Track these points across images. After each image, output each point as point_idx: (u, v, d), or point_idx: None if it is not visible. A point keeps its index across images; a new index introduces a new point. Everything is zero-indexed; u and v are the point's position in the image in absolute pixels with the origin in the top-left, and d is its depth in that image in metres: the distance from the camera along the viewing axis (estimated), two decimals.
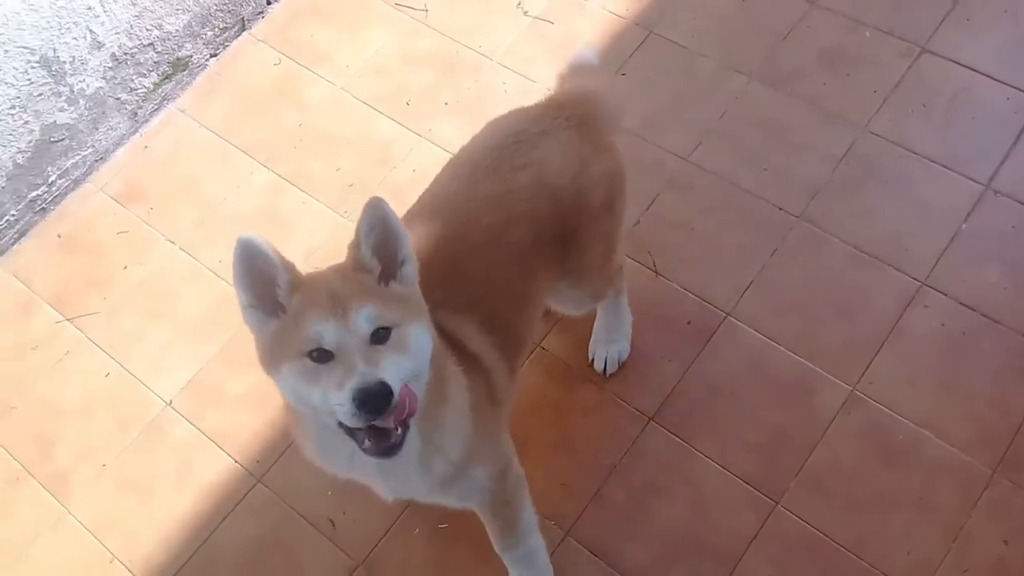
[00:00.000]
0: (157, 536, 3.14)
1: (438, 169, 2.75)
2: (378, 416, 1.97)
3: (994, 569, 2.83)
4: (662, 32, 3.94)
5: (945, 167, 3.48)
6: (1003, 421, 3.03)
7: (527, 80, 3.87)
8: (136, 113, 3.96)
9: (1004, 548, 2.85)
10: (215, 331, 3.47)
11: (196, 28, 4.02)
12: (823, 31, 3.85)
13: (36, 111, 3.65)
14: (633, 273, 3.30)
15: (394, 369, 2.00)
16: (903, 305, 3.24)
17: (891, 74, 3.71)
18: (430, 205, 2.62)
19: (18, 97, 3.57)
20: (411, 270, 2.16)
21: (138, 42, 3.86)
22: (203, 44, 4.08)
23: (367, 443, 2.07)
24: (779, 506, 2.96)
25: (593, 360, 3.24)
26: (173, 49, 3.98)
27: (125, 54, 3.84)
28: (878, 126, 3.60)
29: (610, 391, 3.21)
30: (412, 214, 2.61)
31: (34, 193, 3.76)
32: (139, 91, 3.94)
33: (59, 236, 3.78)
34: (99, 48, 3.75)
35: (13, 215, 3.72)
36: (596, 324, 3.23)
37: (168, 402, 3.36)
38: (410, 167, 3.73)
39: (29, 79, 3.57)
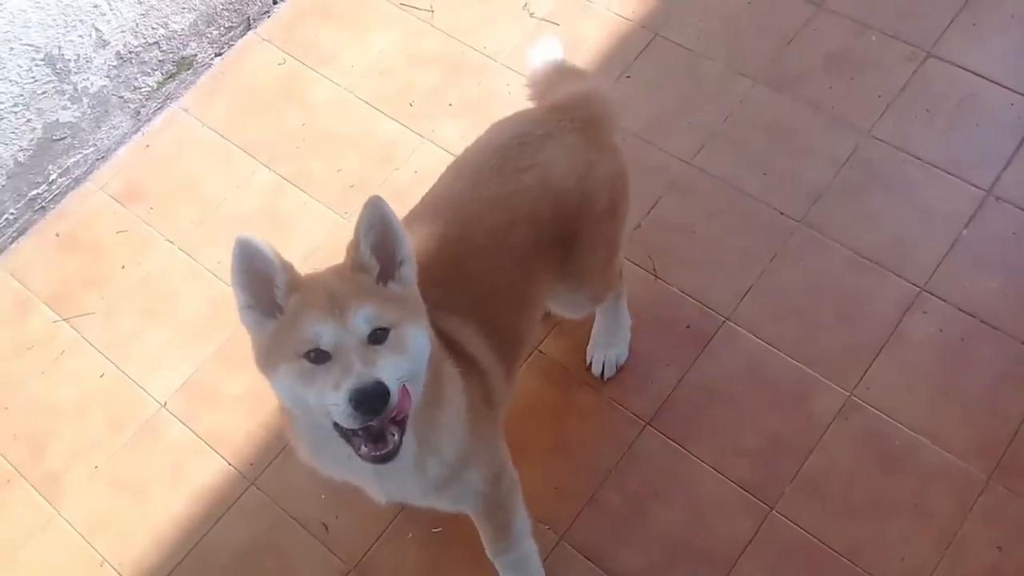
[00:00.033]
0: (149, 539, 3.13)
1: (440, 170, 2.75)
2: (375, 417, 1.96)
3: (987, 575, 2.82)
4: (668, 34, 3.93)
5: (947, 172, 3.46)
6: (1000, 428, 3.02)
7: None
8: (139, 112, 3.96)
9: (998, 554, 2.83)
10: (212, 332, 3.46)
11: (202, 27, 4.02)
12: (829, 35, 3.83)
13: (39, 109, 3.65)
14: (633, 276, 3.29)
15: (391, 369, 1.99)
16: (902, 311, 3.22)
17: (896, 78, 3.69)
18: (433, 206, 2.61)
19: (21, 95, 3.57)
20: (410, 270, 2.16)
21: (143, 40, 3.86)
22: (208, 43, 4.08)
23: (363, 449, 2.06)
24: (774, 511, 2.95)
25: (591, 364, 3.23)
26: (178, 48, 3.98)
27: (130, 52, 3.84)
28: (882, 131, 3.58)
29: (607, 395, 3.19)
30: (415, 214, 2.60)
31: (34, 192, 3.76)
32: (143, 90, 3.94)
33: (58, 235, 3.77)
34: (104, 46, 3.75)
35: (12, 213, 3.73)
36: (595, 328, 3.22)
37: (163, 403, 3.35)
38: (412, 168, 3.72)
39: (33, 77, 3.58)
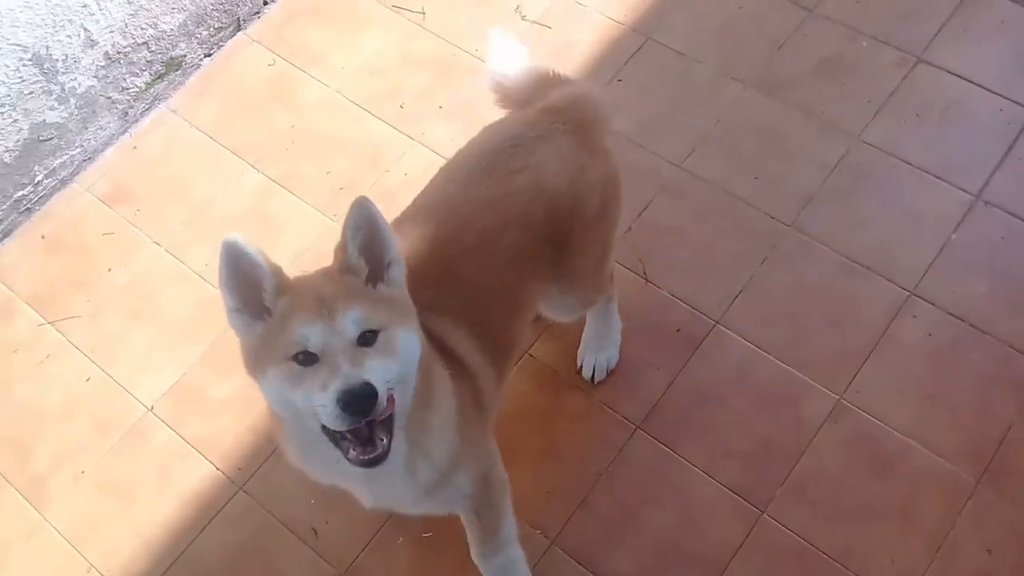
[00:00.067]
0: (136, 544, 3.11)
1: (430, 173, 2.74)
2: (362, 418, 1.95)
3: None
4: (659, 38, 3.93)
5: (937, 177, 3.47)
6: (989, 431, 3.03)
7: None
8: (127, 113, 3.94)
9: (988, 557, 2.84)
10: (199, 335, 3.44)
11: (191, 27, 4.00)
12: (820, 40, 3.84)
13: (26, 109, 3.63)
14: (623, 280, 3.29)
15: (380, 371, 1.98)
16: (892, 315, 3.23)
17: (886, 83, 3.70)
18: (424, 208, 2.61)
19: (8, 95, 3.55)
20: (398, 272, 2.15)
21: (132, 41, 3.84)
22: (197, 44, 4.06)
23: (352, 453, 2.05)
24: (765, 515, 2.95)
25: (581, 367, 3.22)
26: (167, 48, 3.96)
27: (118, 53, 3.82)
28: (872, 135, 3.59)
29: (598, 398, 3.19)
30: (406, 216, 2.60)
31: (20, 193, 3.73)
32: (131, 90, 3.92)
33: (43, 237, 3.75)
34: (92, 46, 3.73)
35: None
36: (585, 331, 3.22)
37: (150, 407, 3.33)
38: (402, 170, 3.71)
39: (20, 77, 3.55)
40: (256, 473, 3.16)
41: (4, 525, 3.19)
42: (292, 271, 2.14)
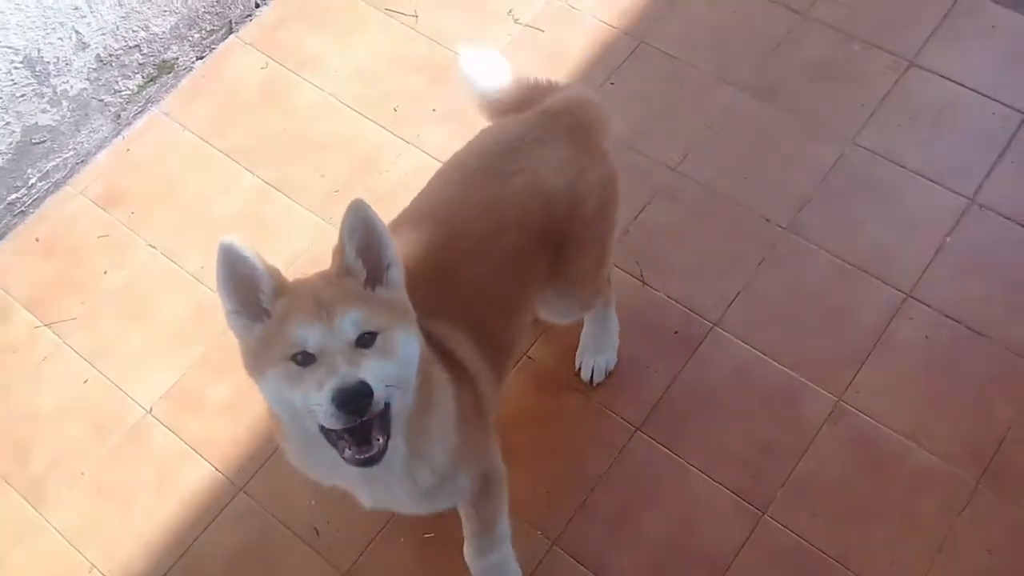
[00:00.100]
0: (137, 545, 3.10)
1: (425, 176, 2.74)
2: (357, 417, 1.95)
3: None
4: (652, 42, 3.94)
5: (931, 180, 3.49)
6: (987, 432, 3.04)
7: None
8: (119, 115, 3.93)
9: (988, 557, 2.86)
10: (196, 337, 3.44)
11: (183, 30, 3.99)
12: (813, 44, 3.86)
13: (18, 112, 3.61)
14: (621, 282, 3.29)
15: (378, 371, 1.99)
16: (888, 317, 3.25)
17: (879, 87, 3.72)
18: (422, 210, 2.61)
19: (0, 98, 3.53)
20: (397, 274, 2.15)
21: (124, 43, 3.83)
22: (189, 47, 4.05)
23: (348, 452, 2.05)
24: (765, 516, 2.96)
25: (580, 369, 3.23)
26: (159, 51, 3.95)
27: (110, 55, 3.81)
28: (865, 139, 3.61)
29: (596, 400, 3.19)
30: (403, 219, 2.60)
31: (13, 196, 3.72)
32: (123, 93, 3.91)
33: (37, 240, 3.73)
34: (84, 49, 3.71)
35: None
36: (583, 333, 3.22)
37: (148, 409, 3.32)
38: (397, 174, 3.71)
39: (12, 79, 3.54)
40: (256, 474, 3.16)
41: (5, 526, 3.18)
42: (288, 274, 2.14)
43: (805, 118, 3.68)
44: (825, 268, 3.35)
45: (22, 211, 3.76)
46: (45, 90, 3.65)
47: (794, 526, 2.94)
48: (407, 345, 2.09)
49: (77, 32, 3.66)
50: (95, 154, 3.91)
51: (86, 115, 3.82)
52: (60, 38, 3.62)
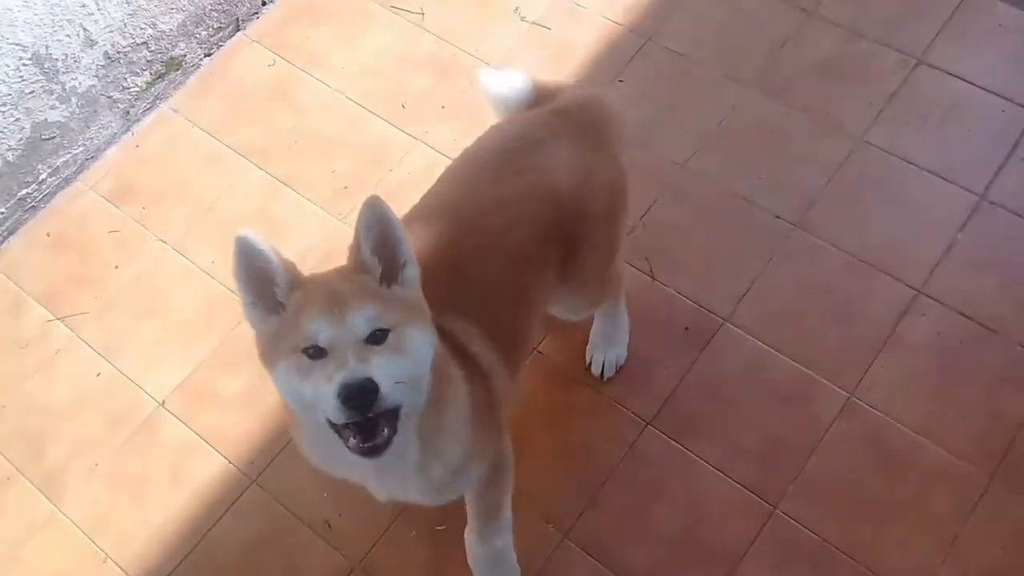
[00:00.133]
0: (151, 536, 3.11)
1: (433, 172, 2.75)
2: (361, 413, 1.96)
3: (991, 574, 2.84)
4: (659, 40, 3.94)
5: (941, 177, 3.49)
6: (1000, 429, 3.04)
7: None
8: (128, 112, 3.94)
9: (1002, 554, 2.86)
10: (207, 331, 3.44)
11: (190, 27, 4.00)
12: (821, 41, 3.86)
13: (27, 108, 3.62)
14: (630, 278, 3.29)
15: (388, 368, 1.98)
16: (900, 313, 3.25)
17: (887, 85, 3.72)
18: (432, 207, 2.62)
19: (9, 94, 3.54)
20: (412, 272, 2.15)
21: (131, 40, 3.84)
22: (197, 44, 4.06)
23: (352, 441, 2.05)
24: (777, 511, 2.96)
25: (591, 364, 3.23)
26: (167, 48, 3.96)
27: (118, 52, 3.81)
28: (874, 136, 3.61)
29: (607, 395, 3.19)
30: (413, 215, 2.60)
31: (24, 191, 3.73)
32: (131, 90, 3.92)
33: (48, 235, 3.74)
34: (92, 46, 3.72)
35: (2, 213, 3.69)
36: (594, 329, 3.23)
37: (160, 402, 3.33)
38: (405, 170, 3.72)
39: (21, 76, 3.55)
40: (269, 467, 3.17)
41: (21, 516, 3.19)
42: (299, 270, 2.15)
43: (814, 116, 3.68)
44: (835, 265, 3.36)
45: (33, 206, 3.77)
46: (54, 87, 3.66)
47: (805, 521, 2.94)
48: (420, 343, 2.09)
49: (85, 29, 3.67)
50: (105, 150, 3.92)
51: (95, 111, 3.83)
52: (68, 35, 3.63)
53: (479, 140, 2.75)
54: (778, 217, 3.46)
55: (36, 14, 3.50)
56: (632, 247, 3.38)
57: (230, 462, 3.20)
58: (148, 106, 3.99)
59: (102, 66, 3.79)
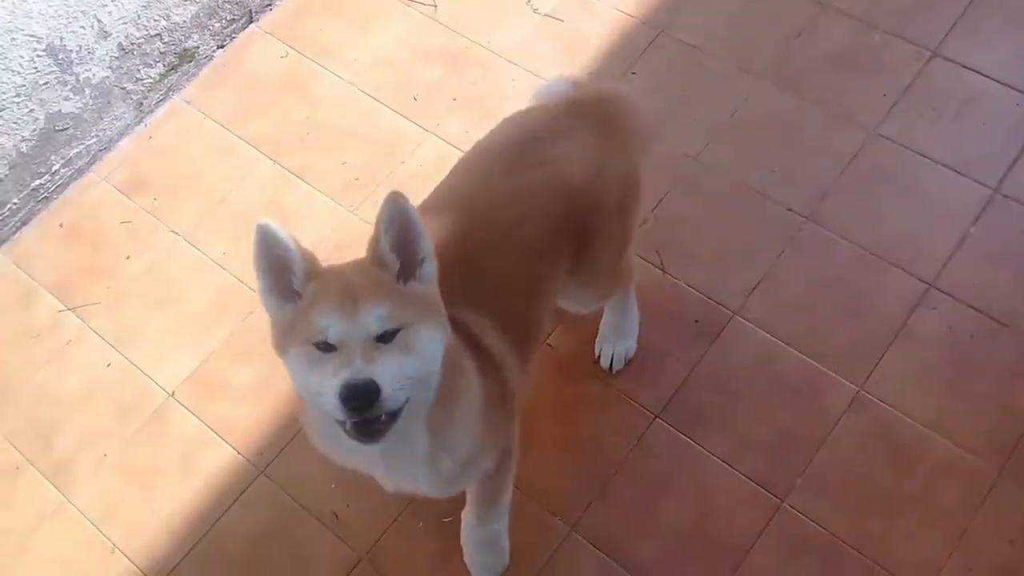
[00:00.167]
0: (159, 526, 3.12)
1: (445, 164, 2.74)
2: (359, 414, 1.96)
3: (999, 569, 2.82)
4: (672, 32, 3.93)
5: (954, 170, 3.47)
6: (1010, 423, 3.02)
7: (536, 78, 3.83)
8: (141, 103, 3.95)
9: (1010, 548, 2.84)
10: (218, 322, 3.45)
11: (203, 19, 4.01)
12: (834, 33, 3.85)
13: (41, 100, 3.63)
14: (641, 271, 3.29)
15: (394, 369, 1.98)
16: (911, 307, 3.23)
17: (901, 78, 3.70)
18: (445, 199, 2.61)
19: (24, 85, 3.55)
20: (430, 269, 2.14)
21: (145, 32, 3.85)
22: (210, 35, 4.06)
23: (349, 426, 2.04)
24: (785, 504, 2.95)
25: (599, 357, 3.22)
26: (180, 40, 3.97)
27: (132, 44, 3.82)
28: (888, 129, 3.59)
29: (616, 388, 3.19)
30: (426, 207, 2.58)
31: (37, 182, 3.74)
32: (145, 81, 3.93)
33: (61, 225, 3.75)
34: (106, 37, 3.73)
35: (15, 203, 3.70)
36: (603, 321, 3.22)
37: (170, 393, 3.34)
38: (417, 162, 3.72)
39: (35, 67, 3.56)
40: (277, 458, 3.17)
41: (29, 506, 3.20)
42: None
43: (827, 108, 3.67)
44: (847, 258, 3.34)
45: (46, 197, 3.78)
46: (68, 78, 3.67)
47: (813, 515, 2.93)
48: (430, 342, 2.09)
49: (99, 21, 3.68)
50: (118, 141, 3.93)
51: (108, 103, 3.84)
52: (82, 27, 3.64)
53: (492, 132, 2.74)
54: (790, 210, 3.44)
55: (51, 5, 3.51)
56: (643, 239, 3.36)
57: (239, 453, 3.20)
58: (161, 97, 4.00)
59: (116, 58, 3.80)
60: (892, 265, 3.30)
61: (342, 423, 2.05)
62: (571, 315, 3.18)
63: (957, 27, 3.79)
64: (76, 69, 3.69)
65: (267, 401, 3.26)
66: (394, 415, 2.04)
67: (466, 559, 2.91)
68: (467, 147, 2.78)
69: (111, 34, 3.74)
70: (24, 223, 3.76)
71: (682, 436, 3.09)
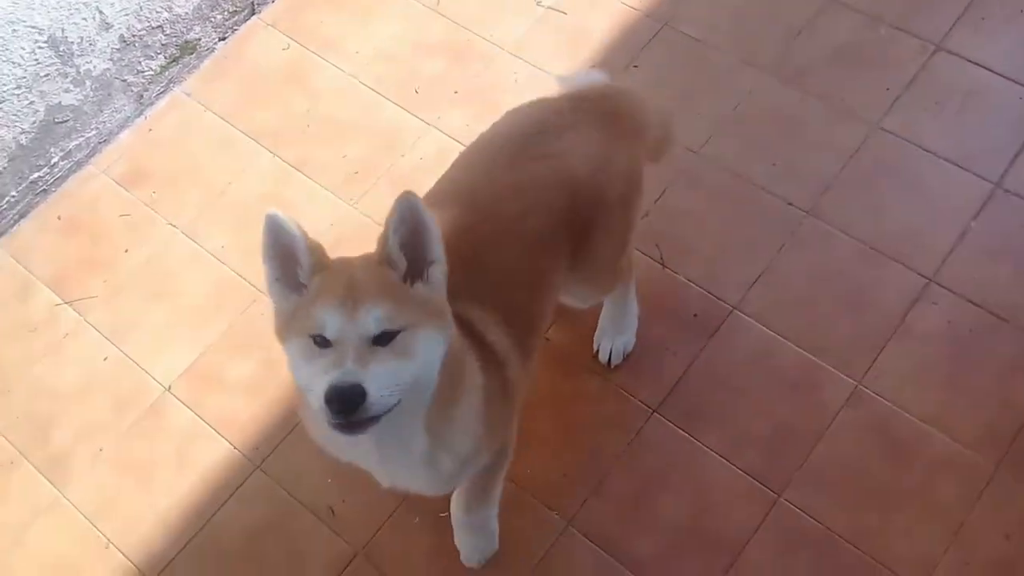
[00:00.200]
0: (155, 521, 3.11)
1: (445, 158, 2.74)
2: (343, 417, 1.94)
3: (996, 563, 2.81)
4: (675, 25, 3.91)
5: (956, 165, 3.45)
6: (1007, 418, 3.01)
7: (539, 71, 3.83)
8: (142, 96, 3.94)
9: (1006, 543, 2.83)
10: (216, 316, 3.44)
11: (206, 11, 4.00)
12: (838, 27, 3.82)
13: (42, 92, 3.63)
14: (640, 265, 3.28)
15: (384, 374, 1.96)
16: (911, 301, 3.21)
17: (905, 71, 3.68)
18: (447, 192, 2.60)
19: (24, 77, 3.55)
20: (439, 273, 2.12)
21: (147, 24, 3.84)
22: (212, 27, 4.05)
23: (330, 416, 2.02)
24: (781, 499, 2.94)
25: (598, 351, 3.21)
26: (182, 32, 3.96)
27: (133, 36, 3.82)
28: (890, 123, 3.57)
29: (614, 382, 3.18)
30: (428, 201, 2.56)
31: (36, 174, 3.73)
32: (146, 73, 3.92)
33: (60, 218, 3.75)
34: (107, 29, 3.72)
35: (14, 196, 3.70)
36: (602, 315, 3.21)
37: (167, 387, 3.33)
38: (417, 155, 3.71)
39: (36, 59, 3.55)
40: (273, 452, 3.16)
41: (23, 501, 3.19)
42: None
43: (830, 102, 3.65)
44: (847, 252, 3.33)
45: (44, 190, 3.78)
46: (69, 70, 3.67)
47: (810, 509, 2.92)
48: (429, 346, 2.07)
49: (101, 12, 3.67)
50: (117, 134, 3.92)
51: (109, 95, 3.83)
52: (84, 18, 3.63)
53: (495, 125, 2.73)
54: (791, 204, 3.43)
55: None
56: (643, 233, 3.34)
57: (235, 447, 3.20)
58: (162, 90, 4.00)
59: (117, 49, 3.79)
60: (892, 259, 3.29)
61: (325, 415, 2.04)
62: (570, 309, 3.17)
63: (961, 21, 3.77)
64: (77, 61, 3.68)
65: (264, 396, 3.26)
66: (377, 417, 2.02)
67: (456, 541, 2.91)
68: (468, 140, 2.77)
69: (113, 26, 3.73)
70: (22, 216, 3.75)
71: (680, 431, 3.07)
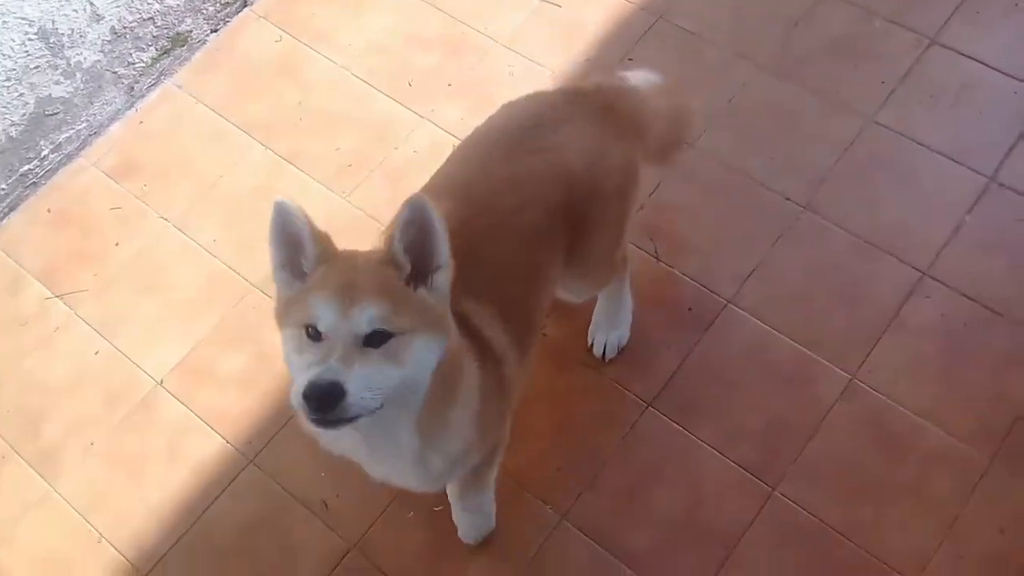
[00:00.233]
0: (147, 515, 3.10)
1: (439, 151, 2.73)
2: (320, 414, 1.93)
3: (990, 557, 2.81)
4: (670, 18, 3.90)
5: (950, 159, 3.45)
6: (1002, 411, 3.01)
7: (533, 64, 3.82)
8: (133, 88, 3.92)
9: (1000, 536, 2.83)
10: (208, 310, 3.43)
11: (197, 3, 3.98)
12: (833, 20, 3.82)
13: (32, 84, 3.61)
14: (635, 259, 3.26)
15: (367, 377, 1.95)
16: (905, 295, 3.21)
17: (899, 65, 3.68)
18: (442, 187, 2.58)
19: (14, 69, 3.53)
20: (443, 279, 2.11)
21: (138, 16, 3.82)
22: (204, 19, 4.03)
23: (307, 411, 1.99)
24: (776, 492, 2.94)
25: (592, 345, 3.21)
26: (173, 24, 3.94)
27: (124, 28, 3.79)
28: (885, 117, 3.57)
29: (609, 376, 3.17)
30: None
31: (26, 167, 3.71)
32: (137, 65, 3.90)
33: (49, 211, 3.73)
34: (98, 21, 3.70)
35: (3, 189, 3.68)
36: (596, 309, 3.20)
37: (159, 381, 3.32)
38: (411, 148, 3.69)
39: (26, 51, 3.53)
40: (266, 447, 3.15)
41: (14, 495, 3.18)
42: None
43: (824, 96, 3.64)
44: (842, 246, 3.32)
45: (34, 182, 3.76)
46: (59, 62, 3.65)
47: (805, 503, 2.92)
48: (422, 353, 2.05)
49: (91, 4, 3.65)
50: (108, 126, 3.90)
51: (99, 87, 3.81)
52: (75, 10, 3.61)
53: (490, 119, 2.72)
54: (787, 198, 3.42)
55: None
56: (638, 227, 3.34)
57: (227, 441, 3.18)
58: (153, 82, 3.97)
59: (108, 41, 3.77)
60: (886, 253, 3.28)
61: (304, 409, 2.02)
62: (564, 304, 3.16)
63: (956, 15, 3.76)
64: (67, 53, 3.66)
65: (256, 389, 3.24)
66: (355, 418, 2.00)
67: (454, 518, 2.91)
68: (462, 134, 2.77)
69: (104, 17, 3.71)
70: (12, 209, 3.73)
71: (674, 425, 3.07)
